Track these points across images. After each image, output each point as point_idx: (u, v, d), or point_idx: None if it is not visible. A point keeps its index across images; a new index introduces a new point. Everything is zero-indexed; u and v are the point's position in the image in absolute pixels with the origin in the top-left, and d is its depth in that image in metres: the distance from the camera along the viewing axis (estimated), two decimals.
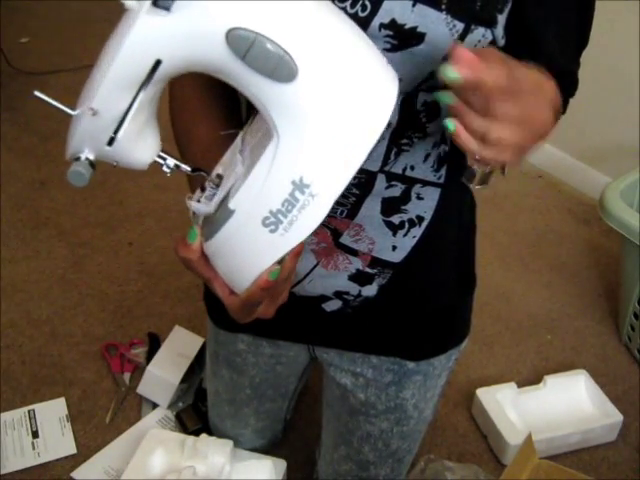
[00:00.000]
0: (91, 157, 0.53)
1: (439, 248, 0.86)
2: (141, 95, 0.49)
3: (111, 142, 0.51)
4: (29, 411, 1.41)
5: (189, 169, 0.58)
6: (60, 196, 2.02)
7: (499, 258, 1.95)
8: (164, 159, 0.56)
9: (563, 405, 1.48)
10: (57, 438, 1.36)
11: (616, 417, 1.44)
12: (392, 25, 0.62)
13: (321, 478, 1.14)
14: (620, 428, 1.45)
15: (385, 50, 0.63)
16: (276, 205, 0.52)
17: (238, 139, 0.60)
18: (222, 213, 0.55)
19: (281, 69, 0.48)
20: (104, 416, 1.41)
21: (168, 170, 0.57)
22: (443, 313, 0.93)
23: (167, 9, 0.45)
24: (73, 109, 0.50)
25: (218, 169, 0.60)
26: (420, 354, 0.93)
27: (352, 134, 0.51)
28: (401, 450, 1.03)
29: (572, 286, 1.88)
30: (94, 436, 1.37)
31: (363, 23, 0.62)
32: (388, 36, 0.62)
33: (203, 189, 0.59)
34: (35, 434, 1.36)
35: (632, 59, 1.97)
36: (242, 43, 0.47)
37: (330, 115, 0.50)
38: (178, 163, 0.57)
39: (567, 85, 0.77)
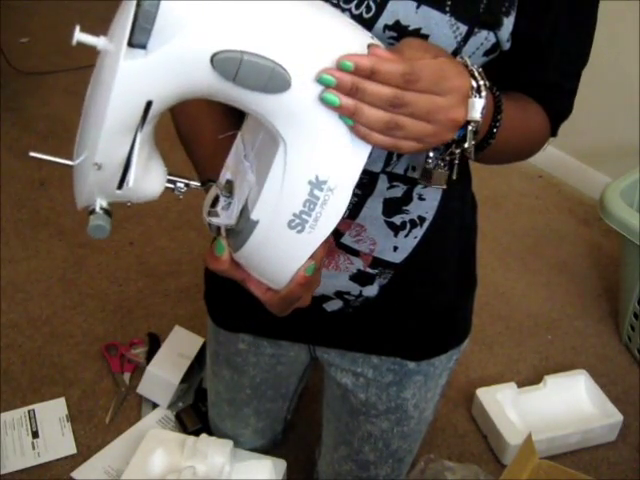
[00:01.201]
0: (104, 205, 0.53)
1: (440, 249, 0.86)
2: (139, 136, 0.49)
3: (120, 186, 0.51)
4: (29, 411, 1.41)
5: (199, 184, 0.58)
6: (60, 196, 2.02)
7: (499, 258, 1.95)
8: (174, 183, 0.56)
9: (563, 405, 1.48)
10: (57, 438, 1.36)
11: (616, 417, 1.44)
12: (396, 26, 0.62)
13: (321, 478, 1.14)
14: (620, 428, 1.45)
15: None
16: (298, 207, 0.53)
17: (238, 140, 0.60)
18: (246, 225, 0.55)
19: (274, 81, 0.47)
20: (104, 416, 1.41)
21: (180, 192, 0.57)
22: (444, 313, 0.93)
23: (144, 47, 0.44)
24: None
25: (226, 174, 0.60)
26: (421, 354, 0.93)
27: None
28: (401, 450, 1.03)
29: (572, 286, 1.88)
30: (94, 436, 1.37)
31: (368, 24, 0.62)
32: (392, 37, 0.62)
33: (216, 201, 0.59)
34: (35, 434, 1.36)
35: (632, 59, 1.97)
36: (229, 65, 0.46)
37: (331, 112, 0.51)
38: (187, 182, 0.57)
39: (559, 102, 0.77)
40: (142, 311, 1.66)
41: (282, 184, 0.52)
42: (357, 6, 0.62)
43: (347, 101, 0.50)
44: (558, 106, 0.78)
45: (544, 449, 1.34)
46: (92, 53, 0.49)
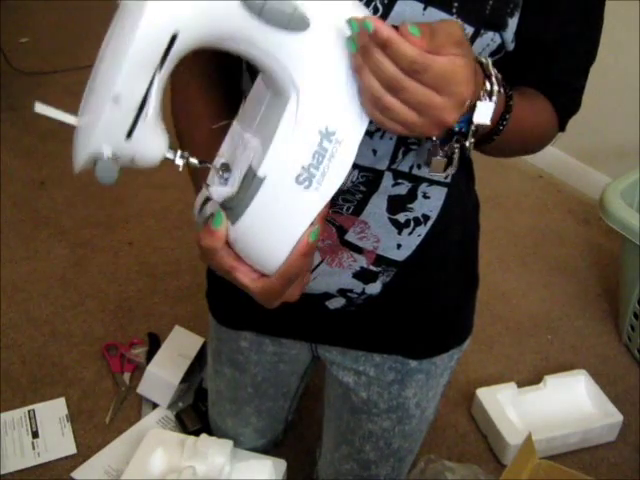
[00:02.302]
0: (110, 154, 0.51)
1: (443, 247, 0.86)
2: (158, 77, 0.49)
3: (130, 133, 0.50)
4: (29, 411, 1.41)
5: (197, 162, 0.56)
6: (60, 196, 2.02)
7: (499, 258, 1.95)
8: (174, 153, 0.55)
9: (563, 405, 1.48)
10: (57, 438, 1.36)
11: (616, 417, 1.44)
12: None
13: (322, 478, 1.14)
14: (620, 428, 1.45)
15: None
16: (307, 159, 0.52)
17: (234, 125, 0.60)
18: (250, 186, 0.54)
19: (297, 18, 0.49)
20: (104, 416, 1.41)
21: (180, 163, 0.55)
22: (446, 312, 0.93)
23: None
24: (73, 112, 0.50)
25: (220, 160, 0.59)
26: (423, 353, 0.93)
27: None
28: (403, 449, 1.03)
29: (572, 286, 1.88)
30: (94, 436, 1.37)
31: None
32: None
33: (206, 202, 0.59)
34: (35, 434, 1.36)
35: (632, 59, 1.97)
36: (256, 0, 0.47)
37: (345, 57, 0.51)
38: (186, 155, 0.56)
39: (567, 99, 0.77)
40: (142, 311, 1.66)
41: (292, 135, 0.52)
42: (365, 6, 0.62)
43: (358, 56, 0.51)
44: (566, 103, 0.78)
45: (544, 449, 1.34)
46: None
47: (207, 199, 0.59)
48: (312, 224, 0.55)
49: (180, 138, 0.77)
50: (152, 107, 0.50)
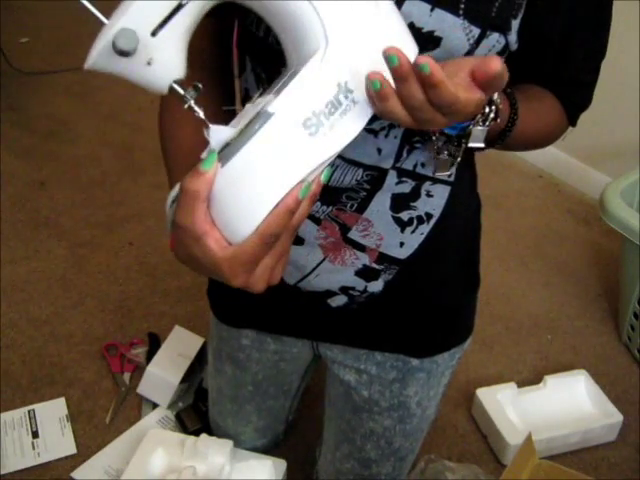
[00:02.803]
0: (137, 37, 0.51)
1: (446, 246, 0.86)
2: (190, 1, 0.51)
3: (157, 31, 0.51)
4: (29, 411, 1.41)
5: (201, 114, 0.55)
6: (60, 196, 2.02)
7: (499, 258, 1.95)
8: (185, 89, 0.54)
9: (563, 405, 1.48)
10: (57, 438, 1.36)
11: (616, 417, 1.44)
12: (410, 29, 0.62)
13: (322, 477, 1.14)
14: (620, 428, 1.45)
15: None
16: (320, 106, 0.52)
17: (247, 105, 0.58)
18: (256, 122, 0.52)
19: None
20: (104, 416, 1.41)
21: (190, 97, 0.54)
22: (448, 311, 0.93)
23: None
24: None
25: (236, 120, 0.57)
26: (424, 351, 0.93)
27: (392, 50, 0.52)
28: (404, 448, 1.03)
29: (572, 286, 1.88)
30: (94, 436, 1.37)
31: None
32: None
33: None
34: (35, 434, 1.36)
35: (632, 59, 1.98)
36: None
37: (380, 27, 0.52)
38: (192, 104, 0.55)
39: (577, 95, 0.78)
40: (142, 311, 1.66)
41: (311, 81, 0.52)
42: None
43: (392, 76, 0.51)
44: (577, 99, 0.78)
45: (544, 449, 1.34)
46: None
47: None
48: (305, 181, 0.52)
49: (163, 145, 0.76)
50: (182, 20, 0.52)
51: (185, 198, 0.51)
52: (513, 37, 0.66)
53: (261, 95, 0.56)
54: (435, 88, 0.49)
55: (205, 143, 0.54)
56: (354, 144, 0.72)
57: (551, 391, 1.49)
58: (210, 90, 0.78)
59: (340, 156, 0.72)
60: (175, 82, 0.54)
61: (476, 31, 0.63)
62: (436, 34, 0.62)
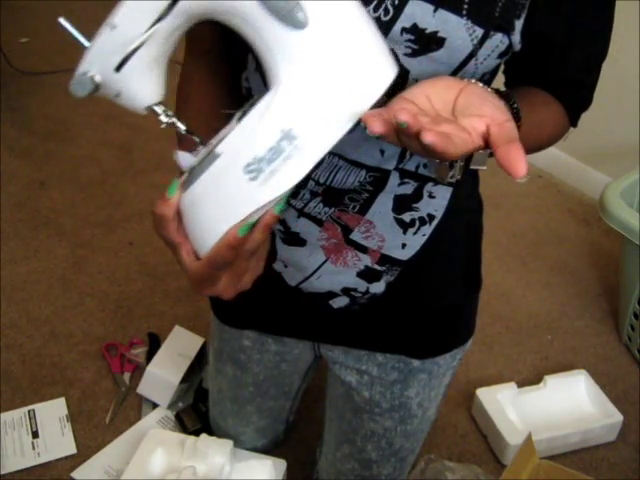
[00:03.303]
0: (97, 79, 0.54)
1: (448, 247, 0.86)
2: (158, 25, 0.51)
3: (120, 67, 0.53)
4: (29, 411, 1.40)
5: (183, 128, 0.58)
6: (60, 196, 2.02)
7: (499, 258, 1.95)
8: (163, 110, 0.57)
9: (563, 405, 1.48)
10: (57, 438, 1.36)
11: (616, 417, 1.44)
12: (413, 29, 0.62)
13: (322, 478, 1.14)
14: (620, 428, 1.45)
15: (405, 55, 0.64)
16: (261, 152, 0.52)
17: (233, 122, 0.60)
18: (208, 158, 0.55)
19: (294, 14, 0.49)
20: (104, 416, 1.40)
21: (166, 120, 0.57)
22: (449, 312, 0.93)
23: None
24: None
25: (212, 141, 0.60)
26: (425, 352, 0.93)
27: (347, 98, 0.51)
28: (404, 449, 1.03)
29: (572, 286, 1.88)
30: (94, 436, 1.37)
31: (385, 27, 0.62)
32: (409, 40, 0.63)
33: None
34: (35, 434, 1.36)
35: (632, 59, 1.97)
36: None
37: (331, 73, 0.51)
38: (174, 120, 0.58)
39: (578, 96, 0.78)
40: (142, 311, 1.66)
41: (258, 123, 0.53)
42: (375, 9, 0.62)
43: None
44: (578, 100, 0.78)
45: (544, 449, 1.34)
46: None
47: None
48: (246, 220, 0.54)
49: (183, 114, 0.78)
50: (148, 52, 0.53)
51: (155, 219, 0.58)
52: (517, 37, 0.66)
53: (249, 107, 0.56)
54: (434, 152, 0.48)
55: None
56: (357, 145, 0.72)
57: (551, 391, 1.49)
58: (214, 76, 0.78)
59: (343, 157, 0.72)
60: (152, 105, 0.57)
61: (480, 31, 0.63)
62: (440, 34, 0.62)
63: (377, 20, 0.62)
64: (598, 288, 1.88)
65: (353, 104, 0.51)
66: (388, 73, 0.53)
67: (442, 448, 1.41)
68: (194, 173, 0.56)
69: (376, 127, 0.48)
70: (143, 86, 0.55)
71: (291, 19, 0.50)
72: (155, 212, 0.58)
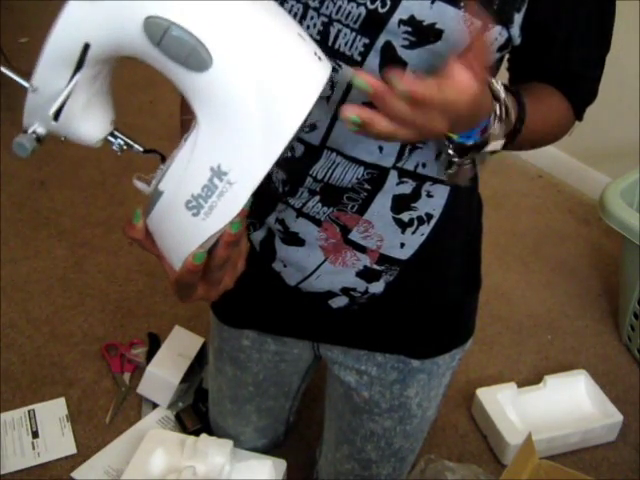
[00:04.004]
0: (40, 131, 0.57)
1: (447, 247, 0.86)
2: (78, 76, 0.53)
3: (56, 117, 0.55)
4: (29, 411, 1.40)
5: (141, 149, 0.61)
6: (60, 196, 2.02)
7: (499, 258, 1.95)
8: (115, 137, 0.60)
9: (563, 405, 1.48)
10: (57, 438, 1.36)
11: (616, 417, 1.44)
12: (411, 21, 0.62)
13: (322, 477, 1.14)
14: (620, 428, 1.45)
15: (403, 47, 0.64)
16: (197, 190, 0.54)
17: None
18: (154, 193, 0.57)
19: (194, 58, 0.49)
20: (104, 416, 1.40)
21: (117, 149, 0.60)
22: (449, 312, 0.93)
23: None
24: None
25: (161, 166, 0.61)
26: (425, 352, 0.93)
27: (269, 125, 0.51)
28: (404, 449, 1.03)
29: (572, 286, 1.88)
30: (94, 436, 1.37)
31: (383, 19, 0.62)
32: (407, 32, 0.63)
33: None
34: (35, 434, 1.36)
35: (632, 59, 1.97)
36: (156, 30, 0.48)
37: (246, 105, 0.51)
38: (130, 143, 0.60)
39: (582, 89, 0.78)
40: (142, 311, 1.66)
41: (188, 162, 0.53)
42: (372, 1, 0.62)
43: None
44: (583, 94, 0.78)
45: (544, 449, 1.34)
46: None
47: None
48: (205, 248, 0.56)
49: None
50: (78, 99, 0.55)
51: (132, 240, 0.61)
52: (516, 31, 0.65)
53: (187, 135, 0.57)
54: (415, 101, 0.49)
55: None
56: (356, 141, 0.73)
57: (551, 391, 1.49)
58: None
59: (341, 153, 0.72)
60: (102, 139, 0.59)
61: (478, 23, 0.62)
62: (437, 27, 0.62)
63: (374, 12, 0.62)
64: (598, 288, 1.88)
65: (279, 128, 0.51)
66: (313, 82, 0.51)
67: (442, 448, 1.41)
68: (148, 203, 0.58)
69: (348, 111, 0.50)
70: (87, 126, 0.57)
71: (193, 62, 0.49)
72: (127, 235, 0.61)
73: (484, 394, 1.45)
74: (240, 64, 0.49)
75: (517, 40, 0.67)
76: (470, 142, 0.62)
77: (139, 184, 0.59)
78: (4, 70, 0.57)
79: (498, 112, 0.61)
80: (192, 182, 0.54)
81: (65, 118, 0.55)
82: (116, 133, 0.60)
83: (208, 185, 0.53)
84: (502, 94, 0.62)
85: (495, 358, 1.63)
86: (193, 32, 0.48)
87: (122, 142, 0.60)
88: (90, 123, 0.57)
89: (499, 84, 0.62)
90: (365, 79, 0.49)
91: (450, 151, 0.64)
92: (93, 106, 0.57)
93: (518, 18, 0.65)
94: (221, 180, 0.53)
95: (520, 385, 1.50)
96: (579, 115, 0.79)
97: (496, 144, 0.64)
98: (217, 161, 0.52)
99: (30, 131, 0.57)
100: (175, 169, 0.55)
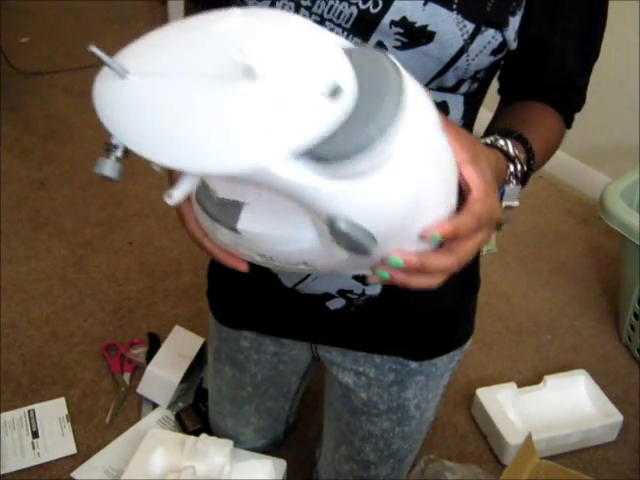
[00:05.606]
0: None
1: None
2: None
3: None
4: (29, 411, 1.40)
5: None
6: (60, 196, 2.02)
7: (499, 258, 1.95)
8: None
9: (563, 405, 1.48)
10: (57, 438, 1.36)
11: (616, 417, 1.44)
12: (403, 23, 0.62)
13: (321, 478, 1.14)
14: (620, 428, 1.45)
15: (395, 48, 0.64)
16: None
17: None
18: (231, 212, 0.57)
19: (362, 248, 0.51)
20: (104, 416, 1.40)
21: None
22: (447, 314, 0.93)
23: None
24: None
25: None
26: (423, 354, 0.93)
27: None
28: (402, 450, 1.03)
29: (572, 286, 1.88)
30: (94, 436, 1.37)
31: (374, 20, 0.62)
32: (398, 34, 0.62)
33: None
34: (35, 434, 1.36)
35: (632, 59, 1.97)
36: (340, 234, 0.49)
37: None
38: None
39: (573, 98, 0.78)
40: (142, 311, 1.66)
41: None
42: (364, 1, 0.62)
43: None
44: (572, 102, 0.79)
45: (544, 449, 1.34)
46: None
47: None
48: None
49: None
50: None
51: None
52: (511, 35, 0.65)
53: None
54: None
55: None
56: None
57: (551, 391, 1.49)
58: None
59: None
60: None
61: (470, 26, 0.62)
62: (429, 28, 0.62)
63: (366, 13, 0.62)
64: (598, 288, 1.88)
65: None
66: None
67: (442, 448, 1.41)
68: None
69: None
70: None
71: (357, 250, 0.50)
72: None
73: (484, 394, 1.45)
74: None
75: (513, 45, 0.67)
76: None
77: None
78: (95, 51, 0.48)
79: (513, 170, 0.62)
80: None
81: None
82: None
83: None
84: (511, 150, 0.61)
85: (495, 358, 1.63)
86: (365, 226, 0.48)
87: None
88: None
89: (507, 142, 0.62)
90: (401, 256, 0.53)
91: None
92: None
93: (514, 22, 0.65)
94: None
95: (520, 385, 1.50)
96: (569, 123, 0.80)
97: (513, 201, 0.65)
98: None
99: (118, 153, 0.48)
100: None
